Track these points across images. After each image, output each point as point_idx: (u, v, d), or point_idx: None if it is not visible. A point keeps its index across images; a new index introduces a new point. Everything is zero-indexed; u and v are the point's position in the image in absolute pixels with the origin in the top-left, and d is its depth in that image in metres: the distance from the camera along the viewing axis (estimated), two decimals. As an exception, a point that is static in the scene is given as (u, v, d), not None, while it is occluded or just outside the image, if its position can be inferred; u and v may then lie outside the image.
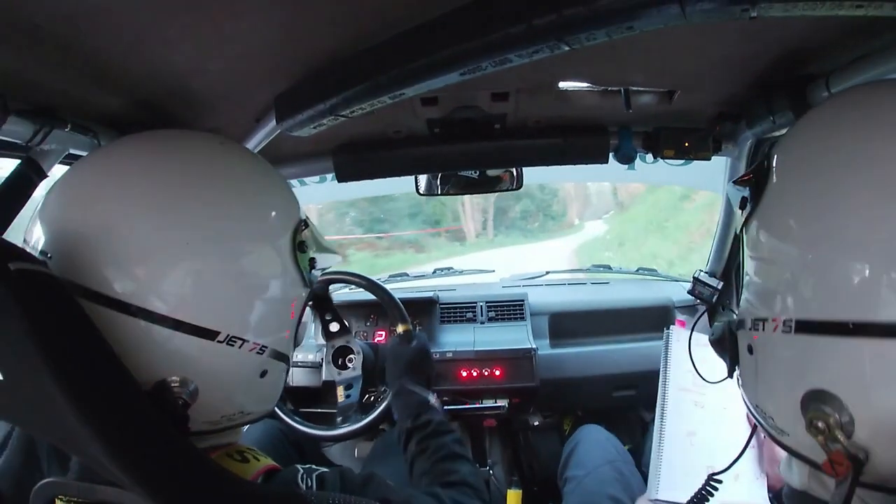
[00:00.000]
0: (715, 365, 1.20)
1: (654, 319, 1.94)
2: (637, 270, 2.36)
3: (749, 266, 0.71)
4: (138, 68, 0.87)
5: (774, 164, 0.67)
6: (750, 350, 0.69)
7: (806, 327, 0.58)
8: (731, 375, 0.77)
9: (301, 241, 0.81)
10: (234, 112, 1.11)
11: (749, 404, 0.72)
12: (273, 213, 0.78)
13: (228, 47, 0.84)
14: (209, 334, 0.69)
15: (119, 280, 0.65)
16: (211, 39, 0.81)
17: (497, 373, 1.72)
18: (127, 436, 0.54)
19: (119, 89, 0.93)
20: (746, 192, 0.71)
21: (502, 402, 1.73)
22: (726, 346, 0.76)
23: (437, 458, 1.03)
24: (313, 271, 0.84)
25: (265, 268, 0.76)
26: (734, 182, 0.75)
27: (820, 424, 0.56)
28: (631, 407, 1.96)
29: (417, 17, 0.75)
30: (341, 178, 1.45)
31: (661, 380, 1.26)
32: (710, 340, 0.81)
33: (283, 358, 0.82)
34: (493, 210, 14.65)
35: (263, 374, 0.78)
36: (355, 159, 1.42)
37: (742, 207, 0.72)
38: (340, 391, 1.57)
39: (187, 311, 0.67)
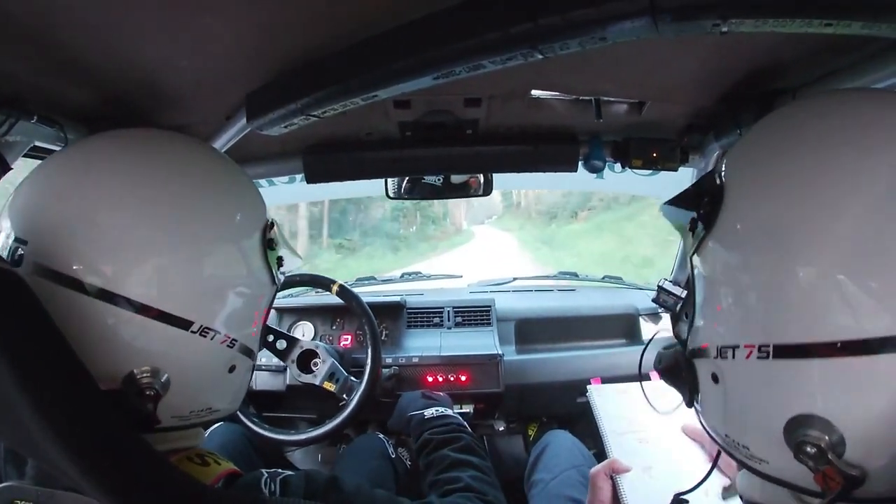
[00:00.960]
0: (642, 407, 1.19)
1: (620, 327, 1.97)
2: (603, 278, 2.38)
3: (709, 291, 0.66)
4: (108, 62, 0.85)
5: (732, 181, 0.63)
6: (715, 379, 0.64)
7: (787, 352, 0.55)
8: (690, 405, 0.73)
9: (270, 238, 0.83)
10: (204, 109, 1.09)
11: (714, 434, 0.68)
12: (243, 212, 0.81)
13: (201, 44, 0.83)
14: (183, 323, 0.71)
15: (96, 267, 0.66)
16: (183, 35, 0.80)
17: (463, 378, 1.71)
18: (86, 440, 0.53)
19: (88, 82, 0.91)
20: (694, 214, 0.67)
21: (467, 408, 1.72)
22: (682, 375, 0.71)
23: (439, 470, 1.03)
24: (281, 270, 0.86)
25: (237, 263, 0.78)
26: (672, 203, 0.72)
27: (811, 450, 0.53)
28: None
29: (392, 19, 0.75)
30: (311, 178, 1.43)
31: (600, 433, 1.28)
32: (657, 369, 0.77)
33: (251, 354, 0.84)
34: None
35: (232, 368, 0.80)
36: (326, 160, 1.41)
37: (692, 229, 0.67)
38: (328, 385, 1.54)
39: (163, 300, 0.69)
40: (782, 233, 0.55)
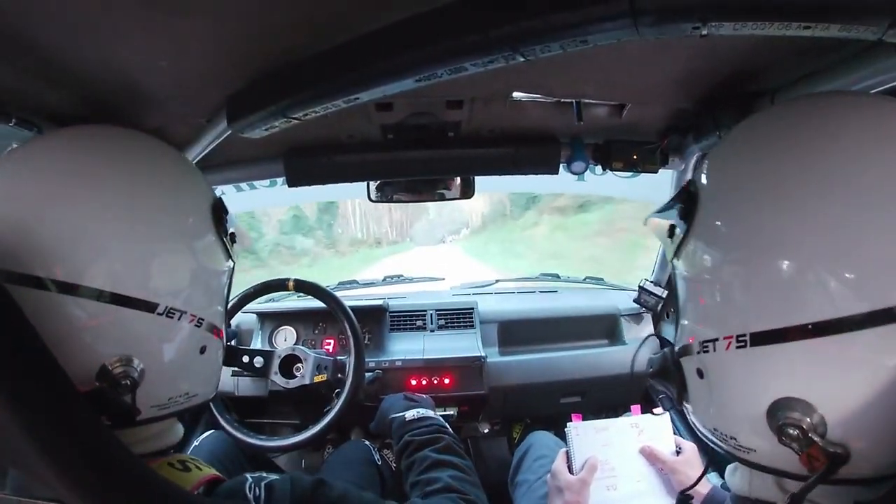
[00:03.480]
0: (617, 447, 1.31)
1: (602, 327, 1.99)
2: (584, 279, 2.39)
3: (690, 291, 0.70)
4: (87, 63, 0.84)
5: (706, 185, 0.68)
6: (700, 374, 0.67)
7: (763, 338, 0.58)
8: (679, 404, 0.75)
9: (219, 214, 0.86)
10: (184, 111, 1.08)
11: (704, 430, 0.71)
12: (190, 191, 0.84)
13: (181, 46, 0.82)
14: (148, 307, 0.72)
15: (53, 262, 0.67)
16: (163, 37, 0.79)
17: (446, 381, 1.71)
18: (67, 448, 0.52)
19: (66, 84, 0.90)
20: (674, 220, 0.71)
21: (451, 411, 1.73)
22: (671, 375, 0.74)
23: (420, 471, 1.03)
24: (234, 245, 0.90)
25: (191, 242, 0.80)
26: (659, 213, 0.76)
27: (792, 431, 0.56)
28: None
29: (374, 22, 0.74)
30: (292, 182, 1.42)
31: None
32: (649, 374, 0.80)
33: (219, 334, 0.87)
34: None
35: (203, 349, 0.83)
36: (307, 163, 1.40)
37: (671, 235, 0.72)
38: (319, 378, 1.54)
39: (125, 286, 0.70)
40: (751, 230, 0.59)
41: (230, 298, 1.55)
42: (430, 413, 1.26)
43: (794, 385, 0.57)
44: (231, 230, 0.89)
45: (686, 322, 0.70)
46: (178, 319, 0.76)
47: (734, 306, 0.61)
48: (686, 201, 0.69)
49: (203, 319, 0.81)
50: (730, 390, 0.64)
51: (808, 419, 0.55)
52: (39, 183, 0.70)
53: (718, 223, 0.64)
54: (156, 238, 0.75)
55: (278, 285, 1.66)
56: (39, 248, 0.66)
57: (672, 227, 0.71)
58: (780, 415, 0.57)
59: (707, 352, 0.65)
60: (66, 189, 0.70)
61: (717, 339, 0.63)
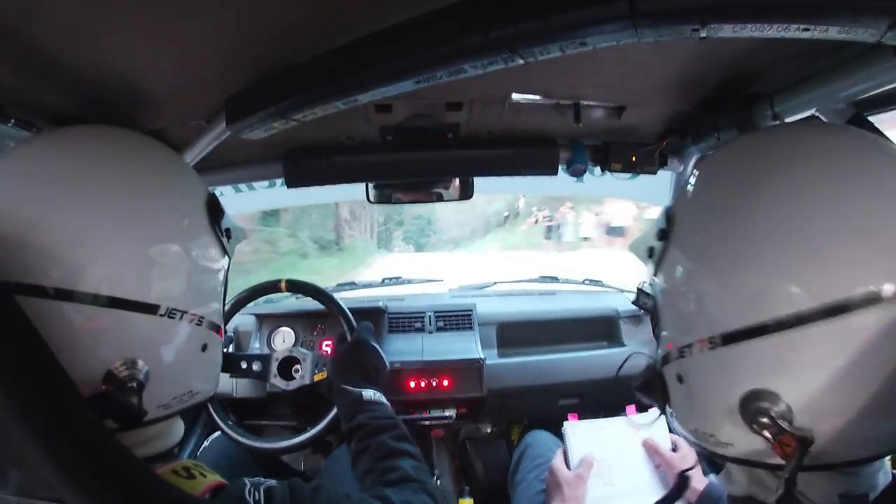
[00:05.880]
0: (614, 445, 1.34)
1: (600, 329, 1.99)
2: (584, 281, 2.39)
3: (668, 303, 0.76)
4: (86, 64, 0.84)
5: (681, 210, 0.74)
6: (680, 379, 0.73)
7: (732, 337, 0.63)
8: (663, 412, 0.81)
9: (214, 211, 0.86)
10: (183, 112, 1.08)
11: (687, 432, 0.76)
12: (183, 190, 0.84)
13: (180, 47, 0.82)
14: (150, 308, 0.73)
15: (52, 269, 0.66)
16: (162, 38, 0.79)
17: (445, 383, 1.71)
18: (72, 453, 0.52)
19: (65, 85, 0.89)
20: (653, 243, 0.77)
21: (450, 413, 1.72)
22: (655, 386, 0.79)
23: (377, 458, 1.01)
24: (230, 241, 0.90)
25: (187, 241, 0.80)
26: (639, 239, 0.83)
27: (762, 419, 0.61)
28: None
29: (373, 23, 0.74)
30: (291, 183, 1.42)
31: None
32: (636, 388, 0.84)
33: (219, 332, 0.89)
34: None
35: (204, 347, 0.84)
36: (306, 165, 1.40)
37: (650, 256, 0.79)
38: (319, 375, 1.52)
39: (125, 288, 0.71)
40: (719, 247, 0.66)
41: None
42: (384, 399, 1.22)
43: (761, 377, 0.62)
44: (227, 227, 0.89)
45: (666, 333, 0.76)
46: (180, 320, 0.77)
47: (706, 312, 0.67)
48: (663, 225, 0.76)
49: (203, 318, 0.82)
50: (706, 388, 0.69)
51: (776, 408, 0.61)
52: (29, 189, 0.70)
53: (691, 241, 0.72)
54: (153, 239, 0.75)
55: (270, 287, 1.65)
56: (36, 257, 0.66)
57: (651, 249, 0.78)
58: (750, 406, 0.62)
59: (684, 356, 0.71)
60: (57, 194, 0.70)
61: (691, 344, 0.69)
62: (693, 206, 0.74)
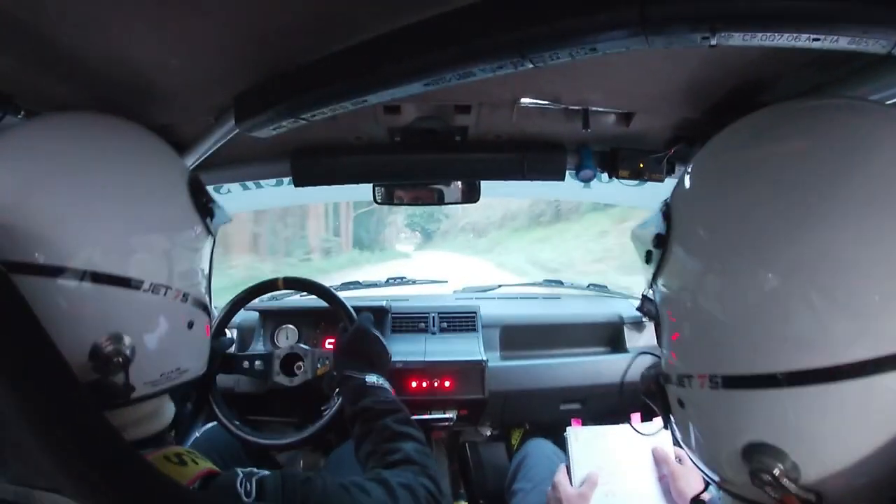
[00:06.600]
0: (617, 454, 1.32)
1: (604, 335, 1.99)
2: (588, 286, 2.39)
3: (665, 322, 0.70)
4: (97, 60, 0.85)
5: (677, 216, 0.68)
6: (681, 404, 0.68)
7: (735, 382, 0.58)
8: (666, 426, 0.76)
9: (196, 189, 0.88)
10: (192, 109, 1.09)
11: (688, 452, 0.72)
12: (166, 169, 0.87)
13: (190, 44, 0.83)
14: (134, 283, 0.75)
15: (37, 246, 0.68)
16: (173, 35, 0.79)
17: (447, 384, 1.71)
18: (67, 440, 0.52)
19: (75, 79, 0.90)
20: (650, 245, 0.71)
21: (451, 414, 1.72)
22: (657, 398, 0.75)
23: (380, 440, 1.02)
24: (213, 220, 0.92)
25: (171, 218, 0.84)
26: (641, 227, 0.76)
27: (765, 477, 0.55)
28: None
29: (384, 25, 0.75)
30: (298, 182, 1.43)
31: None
32: (641, 392, 0.80)
33: (205, 309, 0.90)
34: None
35: (191, 324, 0.86)
36: (314, 164, 1.40)
37: (648, 261, 0.72)
38: (321, 370, 1.54)
39: (109, 264, 0.73)
40: (722, 279, 0.59)
41: (222, 308, 1.58)
42: (387, 384, 1.23)
43: (767, 431, 0.56)
44: (210, 206, 0.91)
45: (665, 351, 0.71)
46: (164, 295, 0.79)
47: (706, 346, 0.62)
48: (659, 233, 0.70)
49: (188, 294, 0.84)
50: (707, 426, 0.65)
51: (781, 465, 0.55)
52: (13, 171, 0.72)
53: (692, 243, 0.65)
54: (134, 216, 0.77)
55: (268, 286, 1.65)
56: (22, 234, 0.68)
57: (649, 253, 0.72)
58: (754, 459, 0.57)
59: (684, 386, 0.66)
60: (41, 174, 0.72)
61: (691, 376, 0.64)
62: (693, 204, 0.68)
